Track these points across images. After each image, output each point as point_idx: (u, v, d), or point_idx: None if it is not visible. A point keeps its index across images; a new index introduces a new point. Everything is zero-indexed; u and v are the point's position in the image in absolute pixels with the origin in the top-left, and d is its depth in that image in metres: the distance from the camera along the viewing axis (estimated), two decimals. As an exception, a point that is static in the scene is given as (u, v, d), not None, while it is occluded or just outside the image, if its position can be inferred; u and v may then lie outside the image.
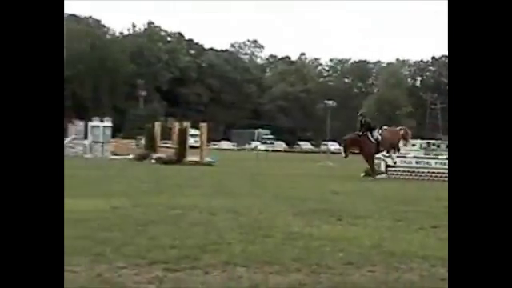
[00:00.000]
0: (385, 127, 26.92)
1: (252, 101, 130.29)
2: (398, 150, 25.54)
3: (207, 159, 32.84)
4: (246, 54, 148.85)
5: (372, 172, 24.29)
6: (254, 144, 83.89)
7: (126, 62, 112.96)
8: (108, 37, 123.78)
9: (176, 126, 35.58)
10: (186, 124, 34.14)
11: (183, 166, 29.46)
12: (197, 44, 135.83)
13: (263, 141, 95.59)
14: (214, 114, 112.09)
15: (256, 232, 8.42)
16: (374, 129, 25.22)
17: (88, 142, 39.49)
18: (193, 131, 38.66)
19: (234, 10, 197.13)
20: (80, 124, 40.55)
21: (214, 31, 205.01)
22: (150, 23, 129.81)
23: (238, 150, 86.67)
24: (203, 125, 34.61)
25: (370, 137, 24.84)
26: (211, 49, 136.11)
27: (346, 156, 26.06)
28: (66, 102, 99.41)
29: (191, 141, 35.39)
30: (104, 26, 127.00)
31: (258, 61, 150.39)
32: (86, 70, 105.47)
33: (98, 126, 39.89)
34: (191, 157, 32.32)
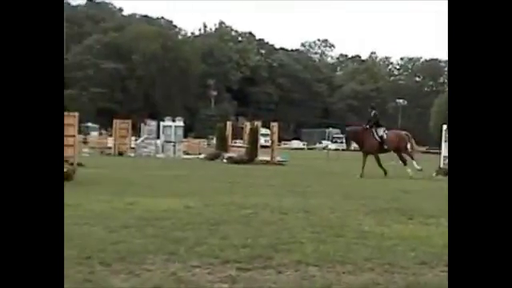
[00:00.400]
0: (405, 132, 25.86)
1: (322, 100, 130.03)
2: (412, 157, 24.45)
3: (278, 158, 32.90)
4: (316, 53, 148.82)
5: (364, 168, 23.03)
6: (324, 143, 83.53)
7: (197, 62, 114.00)
8: (179, 37, 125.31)
9: (247, 125, 35.71)
10: (258, 123, 34.17)
11: (254, 165, 29.59)
12: (267, 43, 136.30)
13: (334, 140, 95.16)
14: (284, 114, 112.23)
15: (327, 231, 8.41)
16: (381, 126, 24.24)
17: (160, 141, 39.90)
18: (263, 130, 38.74)
19: (304, 10, 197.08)
20: (152, 124, 40.97)
21: (284, 31, 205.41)
22: (221, 23, 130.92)
23: (309, 149, 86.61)
24: (274, 124, 34.67)
25: (374, 133, 23.80)
26: (282, 48, 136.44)
27: (347, 148, 25.52)
28: (139, 102, 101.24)
29: (262, 140, 35.43)
30: (175, 27, 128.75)
31: (329, 60, 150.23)
32: (158, 70, 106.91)
33: (170, 126, 40.22)
34: (262, 156, 32.40)
